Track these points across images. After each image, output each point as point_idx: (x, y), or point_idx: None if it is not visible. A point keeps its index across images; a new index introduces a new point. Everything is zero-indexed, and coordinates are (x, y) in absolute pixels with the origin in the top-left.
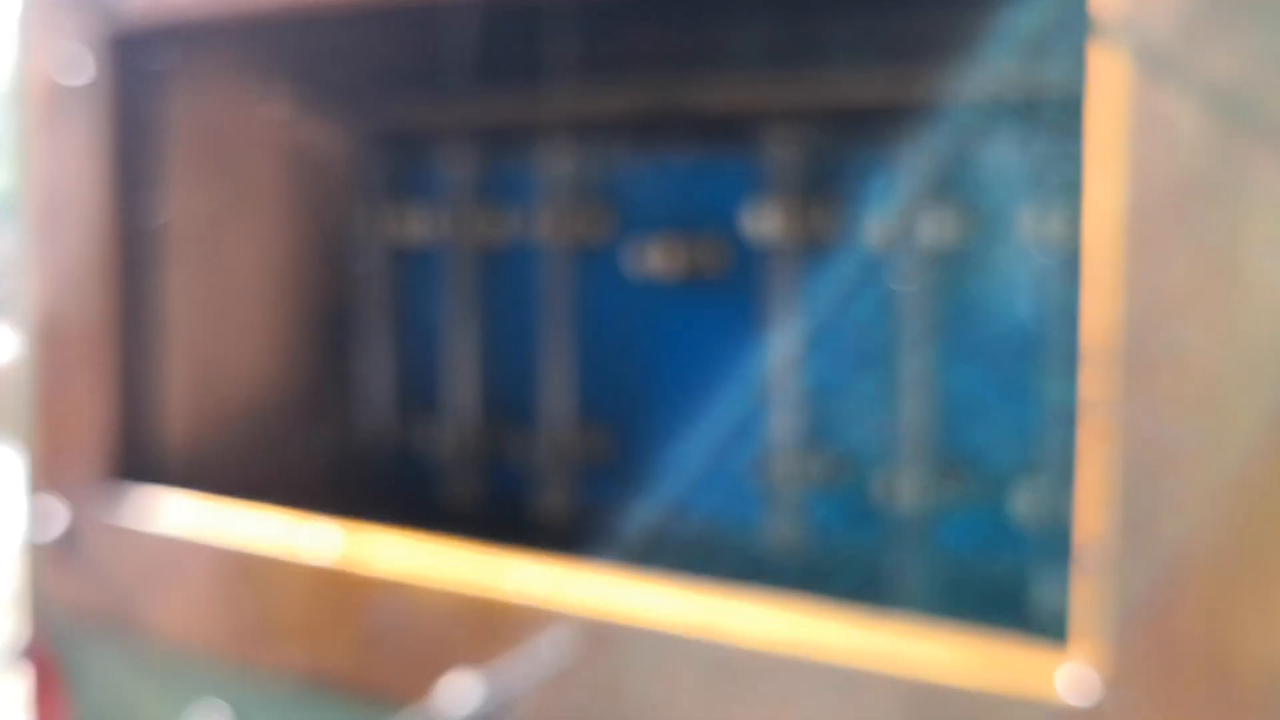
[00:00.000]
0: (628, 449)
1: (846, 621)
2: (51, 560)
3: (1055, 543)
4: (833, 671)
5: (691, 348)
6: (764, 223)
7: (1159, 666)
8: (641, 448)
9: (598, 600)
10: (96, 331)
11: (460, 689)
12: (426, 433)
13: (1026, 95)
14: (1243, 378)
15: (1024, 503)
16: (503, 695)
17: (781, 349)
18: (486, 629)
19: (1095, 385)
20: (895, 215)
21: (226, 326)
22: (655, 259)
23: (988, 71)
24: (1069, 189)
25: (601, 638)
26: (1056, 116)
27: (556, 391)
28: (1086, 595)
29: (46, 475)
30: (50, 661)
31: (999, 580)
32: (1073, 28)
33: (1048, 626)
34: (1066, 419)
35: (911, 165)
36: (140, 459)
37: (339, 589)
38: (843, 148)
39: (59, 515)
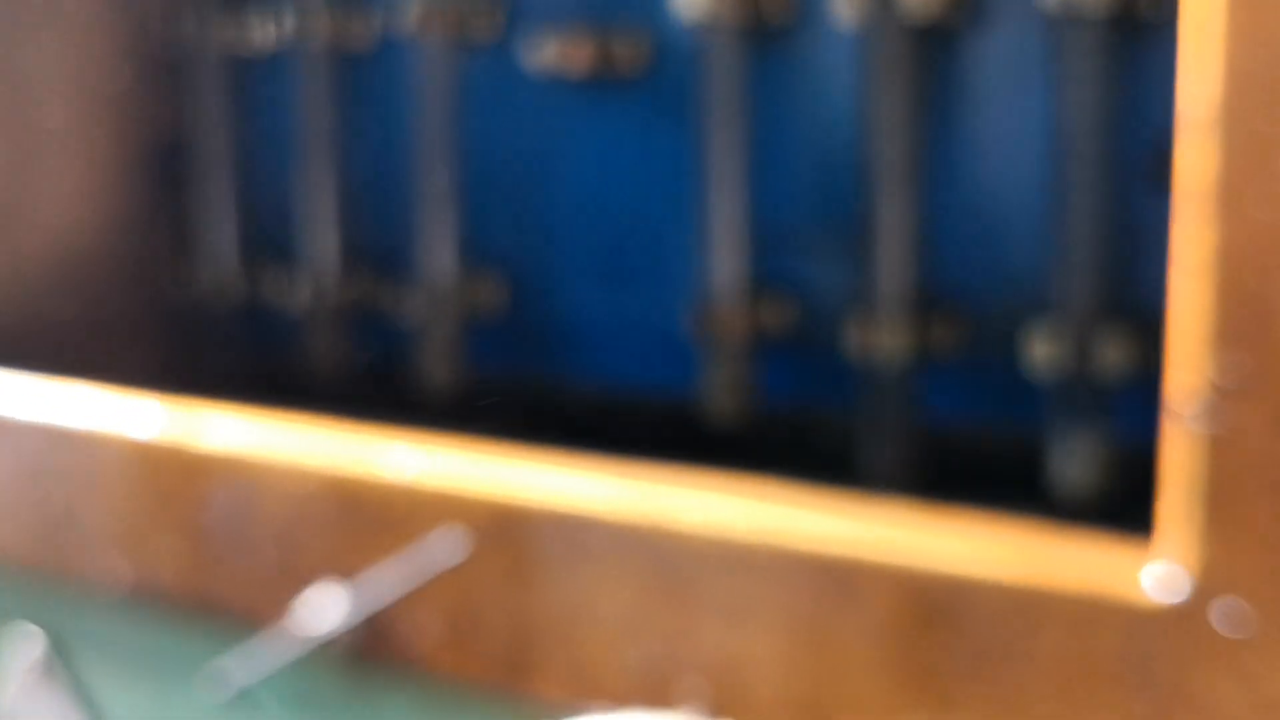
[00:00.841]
0: (526, 301)
1: (820, 506)
2: None
3: (1080, 403)
4: (809, 567)
5: (604, 169)
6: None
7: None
8: (543, 299)
9: (493, 486)
10: None
11: (324, 603)
12: (279, 286)
13: None
14: None
15: (1038, 353)
16: (374, 605)
17: (719, 168)
18: (352, 523)
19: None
20: None
21: (30, 167)
22: (556, 55)
23: None
24: None
25: (503, 530)
26: None
27: (435, 229)
28: (1179, 468)
29: None
30: None
31: (1004, 454)
32: None
33: (1069, 511)
34: (1093, 240)
35: None
36: None
37: (170, 476)
38: None
39: None
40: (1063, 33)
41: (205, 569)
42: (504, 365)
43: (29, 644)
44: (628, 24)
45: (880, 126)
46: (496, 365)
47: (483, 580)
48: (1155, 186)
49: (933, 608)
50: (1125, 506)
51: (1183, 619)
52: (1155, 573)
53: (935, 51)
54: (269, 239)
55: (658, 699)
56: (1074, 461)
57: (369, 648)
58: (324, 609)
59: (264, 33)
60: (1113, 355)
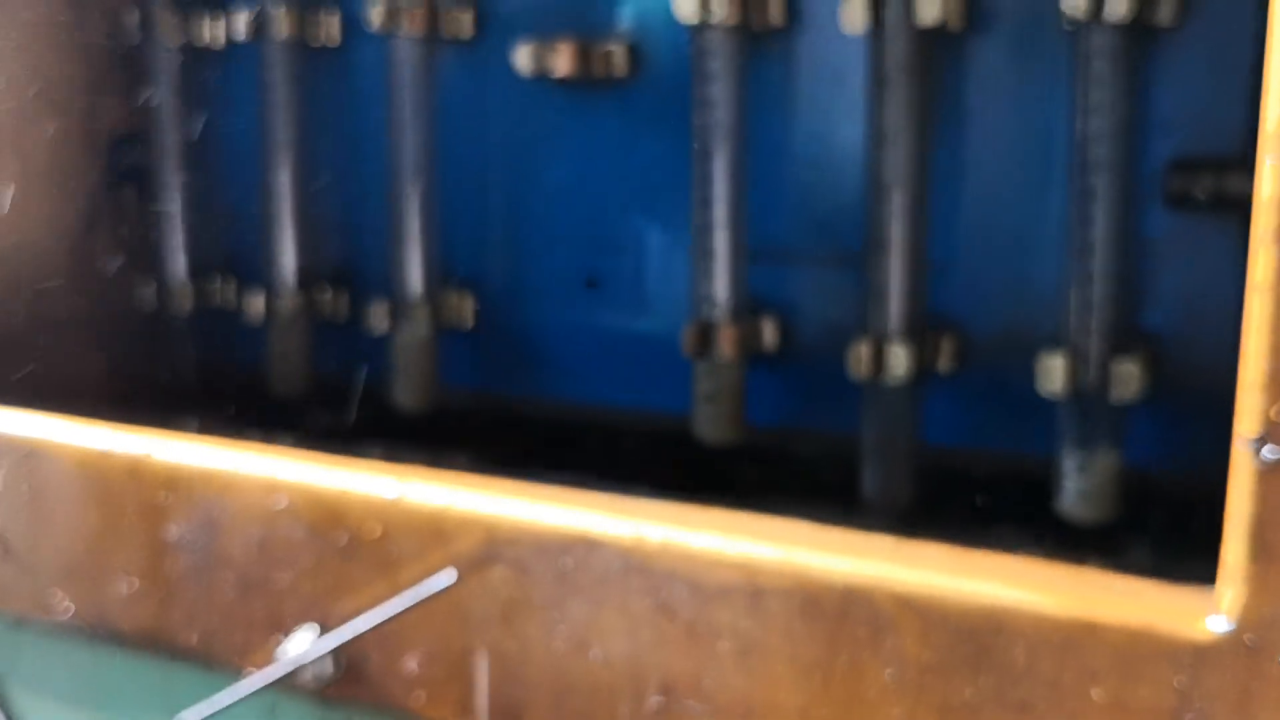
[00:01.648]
0: (499, 314)
1: (843, 543)
2: None
3: (1094, 425)
4: (831, 603)
5: (585, 176)
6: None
7: None
8: (519, 312)
9: (478, 515)
10: None
11: (291, 638)
12: (235, 294)
13: None
14: None
15: (1051, 373)
16: (346, 638)
17: (711, 177)
18: (322, 552)
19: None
20: None
21: None
22: (535, 56)
23: None
24: None
25: (490, 561)
26: None
27: (404, 238)
28: (1245, 501)
29: None
30: None
31: (1011, 476)
32: None
33: (1080, 535)
34: (1108, 257)
35: None
36: None
37: (122, 500)
38: None
39: None
40: (1079, 39)
41: (160, 602)
42: (476, 381)
43: None
44: (611, 24)
45: (886, 135)
46: (468, 381)
47: (466, 615)
48: (1170, 203)
49: (971, 646)
50: (1138, 531)
51: (1243, 657)
52: (1218, 609)
53: (944, 57)
54: (225, 244)
55: None
56: (1085, 484)
57: (339, 687)
58: (291, 644)
59: (221, 27)
60: (1126, 376)
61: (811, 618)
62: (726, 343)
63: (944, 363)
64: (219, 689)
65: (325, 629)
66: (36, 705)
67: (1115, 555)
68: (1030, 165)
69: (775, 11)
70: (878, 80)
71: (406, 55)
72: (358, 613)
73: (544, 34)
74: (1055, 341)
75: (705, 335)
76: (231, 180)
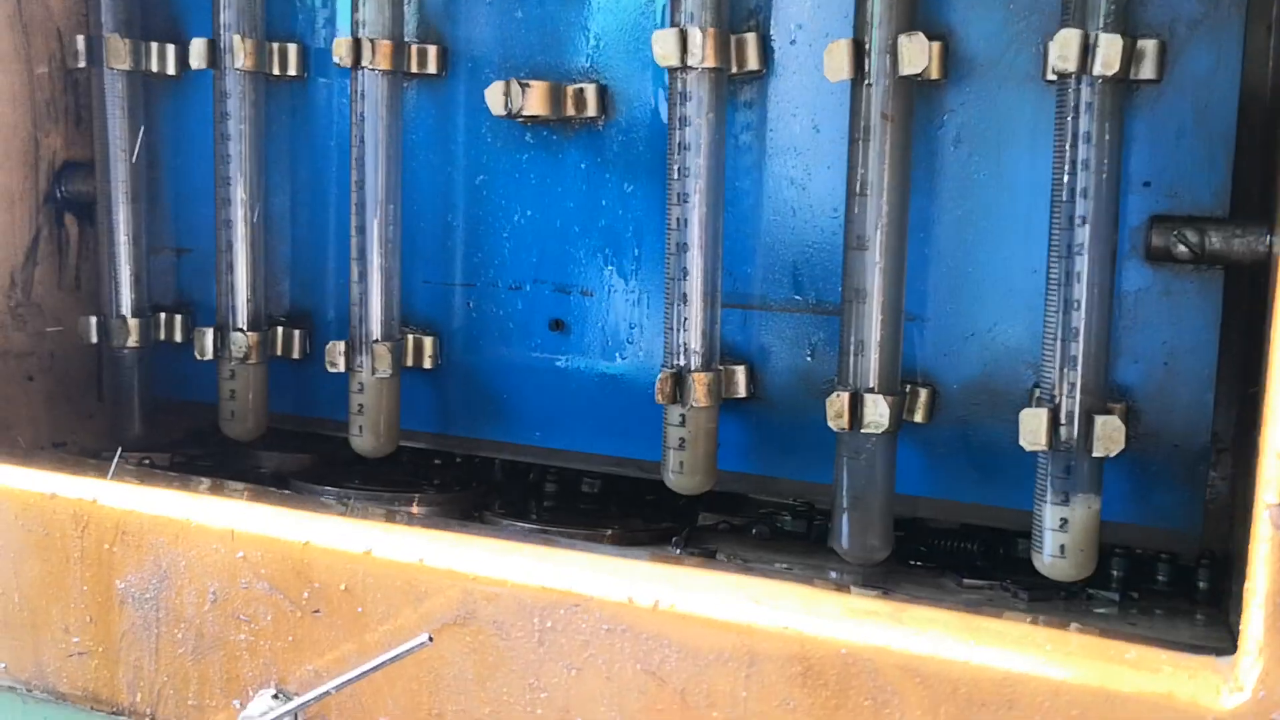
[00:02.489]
0: (460, 358)
1: (825, 609)
2: None
3: (1072, 478)
4: (830, 667)
5: (551, 219)
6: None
7: None
8: (480, 356)
9: (455, 570)
10: None
11: (254, 700)
12: (185, 336)
13: None
14: None
15: (1032, 430)
16: (312, 699)
17: (688, 224)
18: (288, 608)
19: None
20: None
21: None
22: (502, 97)
23: None
24: None
25: (469, 619)
26: None
27: (366, 278)
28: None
29: None
30: None
31: (983, 528)
32: None
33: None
34: (1089, 311)
35: None
36: None
37: (66, 550)
38: None
39: None
40: (1064, 92)
41: (104, 659)
42: (437, 424)
43: None
44: (580, 66)
45: (867, 184)
46: (428, 424)
47: (438, 678)
48: (1151, 259)
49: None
50: (1109, 584)
51: None
52: (1237, 680)
53: (923, 108)
54: (175, 277)
55: None
56: (1065, 539)
57: None
58: (251, 707)
59: (174, 54)
60: (1111, 432)
61: (811, 687)
62: (700, 389)
63: (918, 415)
64: None
65: (285, 692)
66: None
67: (1089, 610)
68: (1006, 217)
69: (753, 55)
70: (859, 129)
71: (370, 89)
72: (321, 675)
73: (514, 72)
74: (1035, 396)
75: (679, 381)
76: (183, 212)
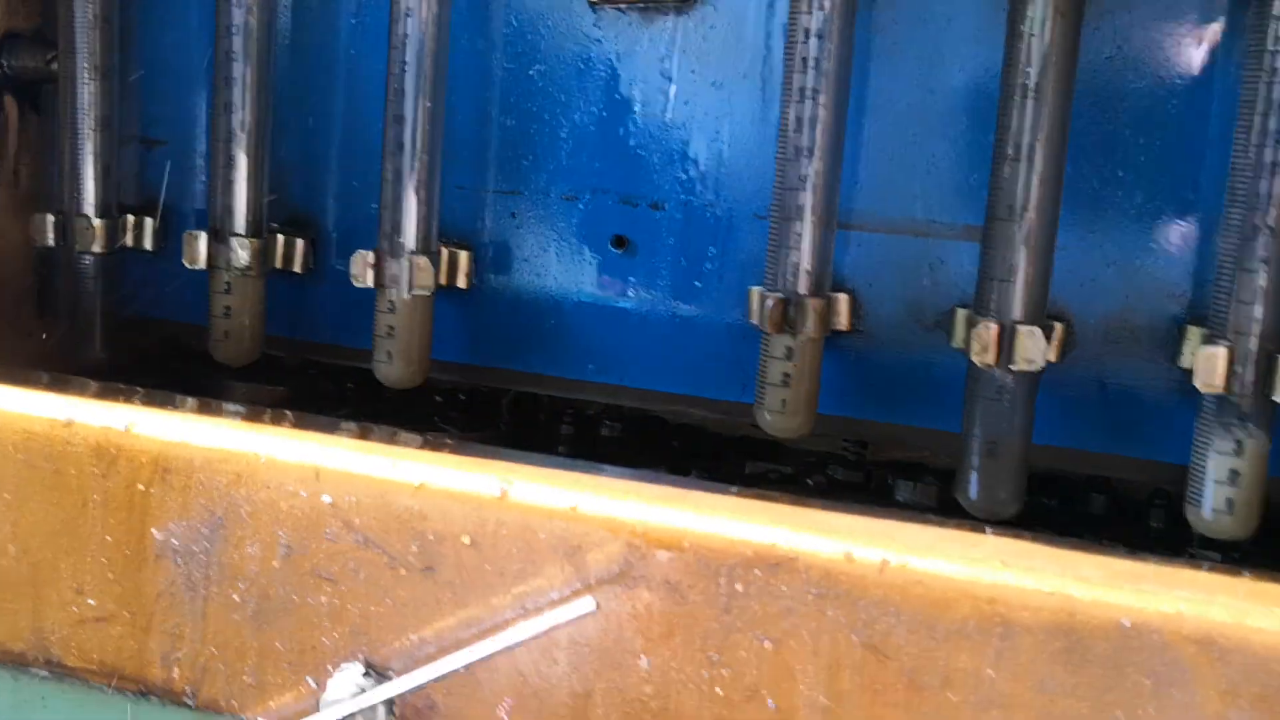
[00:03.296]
0: (500, 277)
1: (1097, 572)
2: None
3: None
4: None
5: (624, 114)
6: None
7: None
8: (525, 277)
9: (622, 522)
10: None
11: (333, 680)
12: (158, 243)
13: None
14: None
15: (1209, 369)
16: (412, 683)
17: (805, 128)
18: (376, 570)
19: None
20: None
21: None
22: None
23: None
24: None
25: (625, 579)
26: None
27: (400, 179)
28: None
29: None
30: None
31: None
32: None
33: None
34: None
35: None
36: None
37: (84, 500)
38: None
39: None
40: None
41: (130, 626)
42: (472, 354)
43: None
44: None
45: (1029, 87)
46: (461, 354)
47: (586, 651)
48: None
49: None
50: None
51: None
52: None
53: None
54: (149, 173)
55: None
56: (1228, 490)
57: None
58: (331, 688)
59: None
60: None
61: (1075, 665)
62: (814, 318)
63: (1051, 353)
64: None
65: (377, 668)
66: None
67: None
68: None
69: None
70: (1021, 17)
71: None
72: (427, 646)
73: None
74: (1202, 334)
75: (786, 310)
76: (157, 96)
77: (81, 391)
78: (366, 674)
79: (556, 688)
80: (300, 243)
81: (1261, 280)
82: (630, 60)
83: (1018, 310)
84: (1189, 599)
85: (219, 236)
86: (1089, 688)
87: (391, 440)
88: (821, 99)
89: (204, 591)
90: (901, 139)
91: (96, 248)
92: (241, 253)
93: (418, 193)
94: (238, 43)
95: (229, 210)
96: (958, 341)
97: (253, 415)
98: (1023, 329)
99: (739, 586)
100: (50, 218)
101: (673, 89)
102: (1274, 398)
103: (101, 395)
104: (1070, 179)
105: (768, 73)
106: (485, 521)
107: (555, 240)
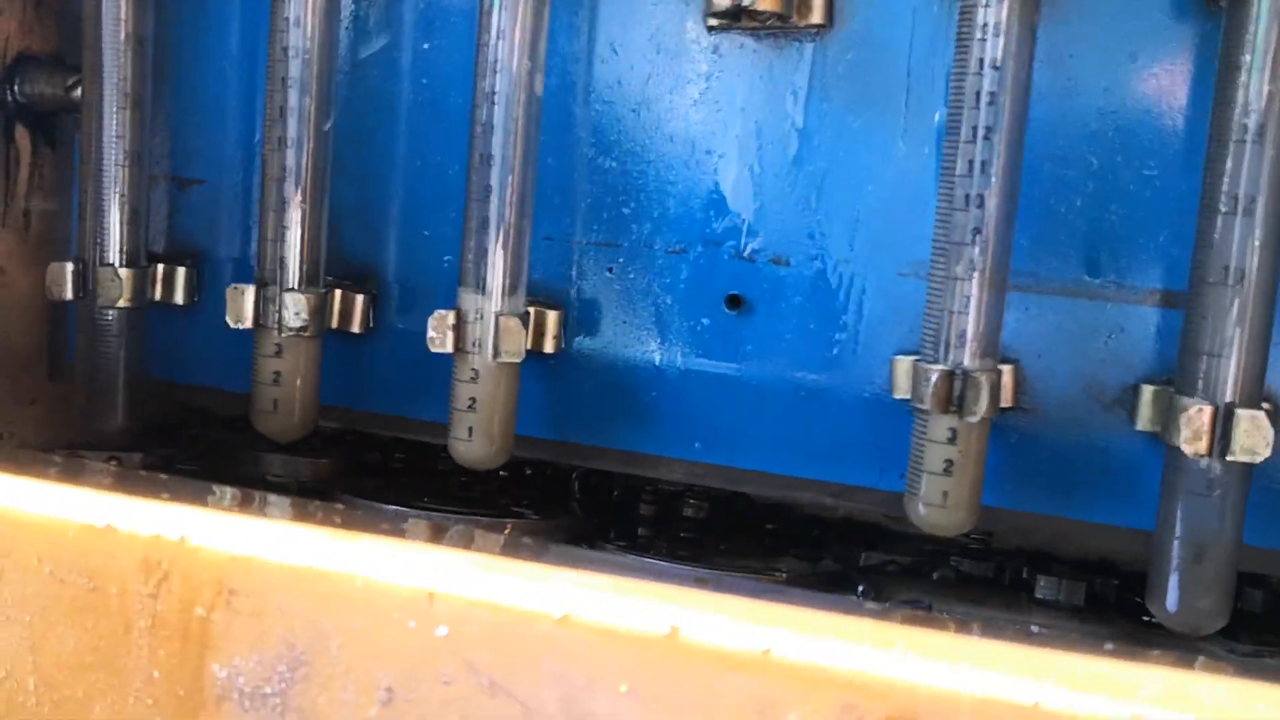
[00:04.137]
0: (591, 341)
1: None
2: None
3: None
4: None
5: (742, 162)
6: None
7: None
8: (621, 340)
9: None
10: None
11: None
12: (191, 297)
13: None
14: None
15: None
16: None
17: (975, 171)
18: None
19: None
20: None
21: None
22: None
23: None
24: None
25: None
26: None
27: (485, 229)
28: None
29: None
30: None
31: None
32: None
33: None
34: None
35: None
36: None
37: (128, 623)
38: None
39: None
40: None
41: None
42: (555, 429)
43: None
44: None
45: (1240, 126)
46: (544, 429)
47: None
48: None
49: None
50: None
51: None
52: None
53: None
54: (183, 218)
55: None
56: None
57: None
58: None
59: None
60: None
61: None
62: (984, 396)
63: None
64: None
65: None
66: None
67: None
68: None
69: None
70: (1239, 44)
71: None
72: None
73: None
74: None
75: (952, 385)
76: (190, 132)
77: (125, 487)
78: None
79: None
80: (360, 299)
81: None
82: (753, 93)
83: (1230, 390)
84: None
85: (268, 291)
86: None
87: (526, 554)
88: (997, 139)
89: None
90: (1075, 186)
91: (122, 302)
92: (296, 310)
93: (507, 244)
94: (295, 68)
95: (281, 262)
96: (1144, 423)
97: (348, 522)
98: (1243, 414)
99: None
100: (69, 267)
101: (803, 127)
102: None
103: (150, 491)
104: None
105: (915, 108)
106: (649, 666)
107: (658, 299)
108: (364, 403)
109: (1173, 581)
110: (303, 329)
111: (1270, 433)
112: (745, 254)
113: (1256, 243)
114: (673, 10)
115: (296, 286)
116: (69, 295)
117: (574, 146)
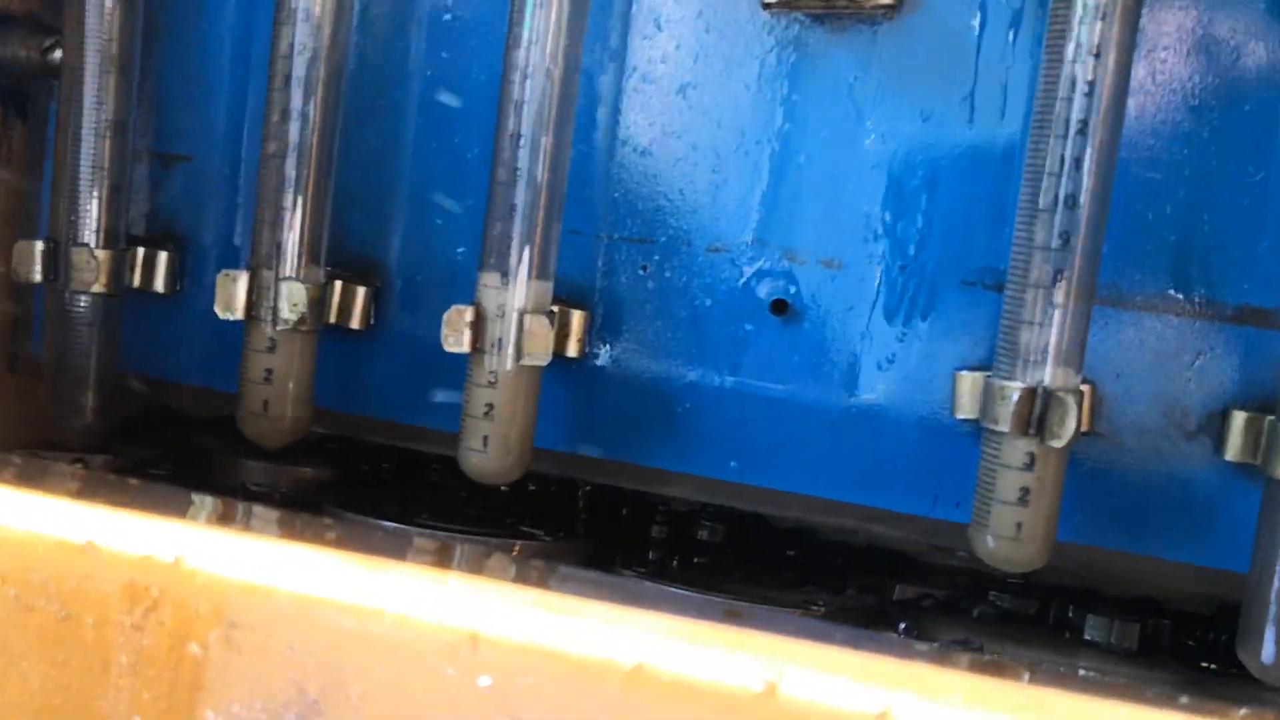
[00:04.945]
0: (617, 345)
1: None
2: None
3: None
4: None
5: (792, 154)
6: None
7: None
8: (652, 344)
9: None
10: None
11: None
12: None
13: None
14: None
15: None
16: None
17: (1065, 169)
18: None
19: None
20: None
21: None
22: None
23: None
24: None
25: None
26: None
27: (505, 217)
28: None
29: None
30: None
31: None
32: None
33: None
34: None
35: None
36: None
37: (106, 659)
38: None
39: None
40: None
41: None
42: (568, 439)
43: None
44: None
45: None
46: (553, 438)
47: None
48: None
49: None
50: None
51: None
52: None
53: None
54: (166, 197)
55: None
56: None
57: None
58: None
59: None
60: None
61: None
62: (1068, 417)
63: None
64: None
65: None
66: None
67: None
68: None
69: None
70: None
71: None
72: None
73: None
74: None
75: (1033, 405)
76: (177, 104)
77: (106, 497)
78: None
79: None
80: (361, 292)
81: None
82: (811, 79)
83: None
84: None
85: (261, 279)
86: None
87: (582, 589)
88: (1093, 134)
89: None
90: (1165, 191)
91: (98, 286)
92: (293, 302)
93: (534, 235)
94: (304, 32)
95: (278, 247)
96: (1233, 453)
97: (375, 546)
98: None
99: None
100: (39, 245)
101: (865, 118)
102: None
103: (137, 503)
104: None
105: (989, 101)
106: None
107: (696, 302)
108: (358, 406)
109: (1271, 631)
110: (300, 323)
111: None
112: (794, 255)
113: None
114: None
115: (294, 276)
116: (37, 277)
117: (605, 129)
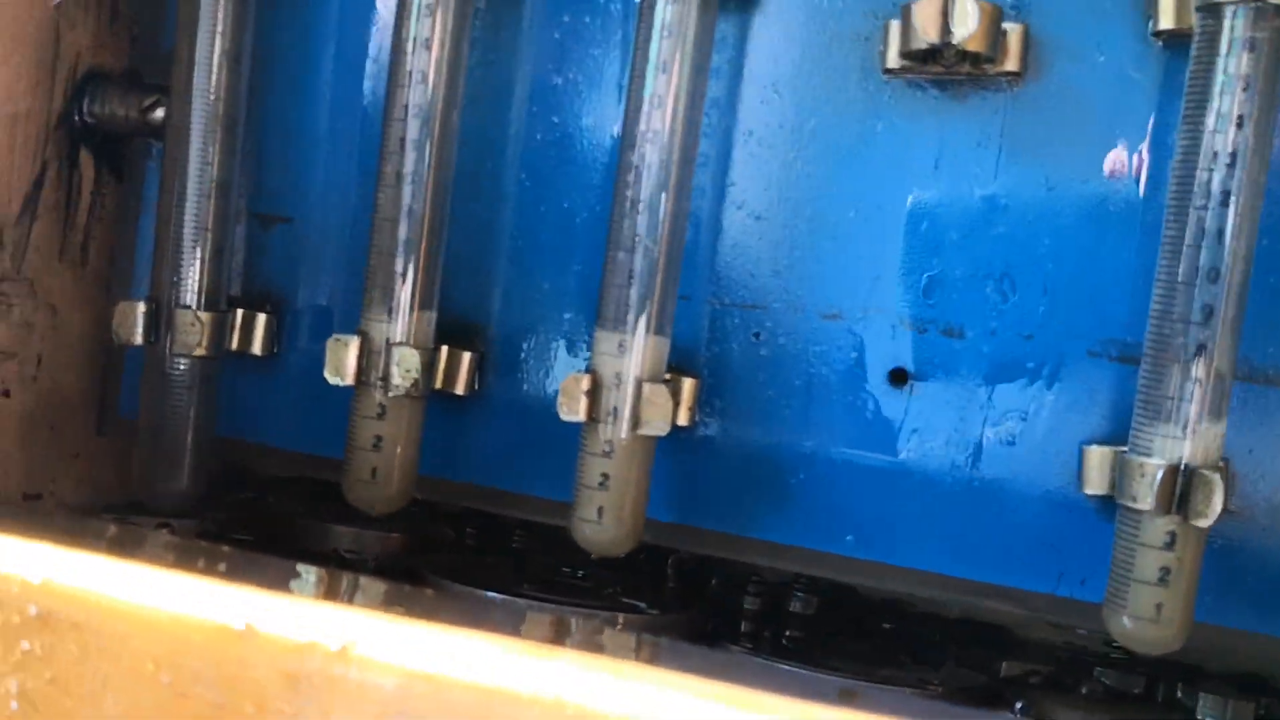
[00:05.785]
0: (727, 415)
1: None
2: None
3: None
4: None
5: (913, 221)
6: None
7: None
8: (762, 414)
9: None
10: None
11: None
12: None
13: None
14: None
15: None
16: None
17: (1215, 242)
18: None
19: None
20: None
21: None
22: (938, 21)
23: None
24: None
25: None
26: None
27: (626, 287)
28: None
29: None
30: None
31: None
32: None
33: None
34: None
35: None
36: None
37: None
38: None
39: None
40: None
41: None
42: (675, 510)
43: None
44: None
45: None
46: (659, 508)
47: None
48: None
49: None
50: None
51: None
52: None
53: None
54: (267, 258)
55: None
56: None
57: None
58: None
59: None
60: None
61: None
62: (1215, 497)
63: None
64: None
65: None
66: None
67: None
68: None
69: None
70: None
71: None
72: None
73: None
74: None
75: (1174, 482)
76: (277, 164)
77: (256, 577)
78: None
79: None
80: (467, 357)
81: None
82: (931, 145)
83: None
84: None
85: (372, 345)
86: None
87: (689, 665)
88: (1236, 207)
89: None
90: None
91: (200, 349)
92: (407, 368)
93: (651, 302)
94: (418, 94)
95: (389, 312)
96: None
97: (492, 620)
98: None
99: None
100: (141, 307)
101: (988, 185)
102: None
103: (287, 582)
104: None
105: (1119, 167)
106: None
107: (810, 370)
108: (460, 473)
109: None
110: (411, 389)
111: None
112: (913, 323)
113: None
114: (847, 51)
115: (406, 341)
116: (139, 339)
117: (715, 195)
